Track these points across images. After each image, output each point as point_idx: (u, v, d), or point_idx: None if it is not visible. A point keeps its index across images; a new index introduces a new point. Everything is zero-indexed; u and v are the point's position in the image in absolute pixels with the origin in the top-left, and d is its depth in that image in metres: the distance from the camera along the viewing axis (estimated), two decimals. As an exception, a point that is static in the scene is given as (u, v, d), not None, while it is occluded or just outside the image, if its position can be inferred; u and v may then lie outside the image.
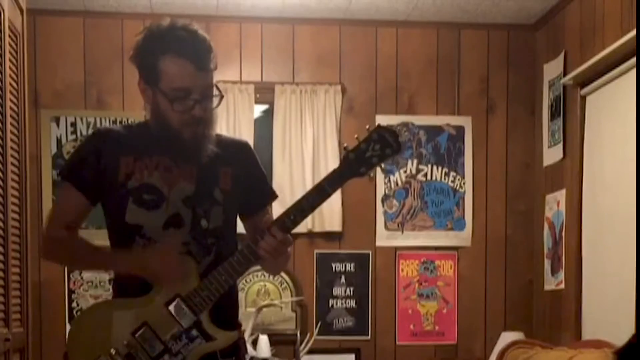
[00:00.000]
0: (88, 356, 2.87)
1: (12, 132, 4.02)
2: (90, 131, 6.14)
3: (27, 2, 4.46)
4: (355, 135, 2.84)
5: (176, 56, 2.79)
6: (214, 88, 2.89)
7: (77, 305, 6.10)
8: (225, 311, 2.96)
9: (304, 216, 2.84)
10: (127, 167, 2.89)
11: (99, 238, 2.99)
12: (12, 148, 4.01)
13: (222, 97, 2.92)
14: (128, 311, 2.87)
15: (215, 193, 2.94)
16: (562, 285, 5.99)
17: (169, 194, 2.88)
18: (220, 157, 2.95)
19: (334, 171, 2.83)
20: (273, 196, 3.16)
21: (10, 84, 4.02)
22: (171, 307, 2.83)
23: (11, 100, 4.03)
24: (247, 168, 3.05)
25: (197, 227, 2.90)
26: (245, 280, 6.22)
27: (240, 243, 2.98)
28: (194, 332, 2.85)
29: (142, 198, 2.87)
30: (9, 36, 4.00)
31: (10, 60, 4.03)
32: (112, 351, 2.85)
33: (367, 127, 2.83)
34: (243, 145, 3.14)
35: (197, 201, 2.91)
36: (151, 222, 2.88)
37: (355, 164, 2.80)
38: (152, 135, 2.91)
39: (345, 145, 2.84)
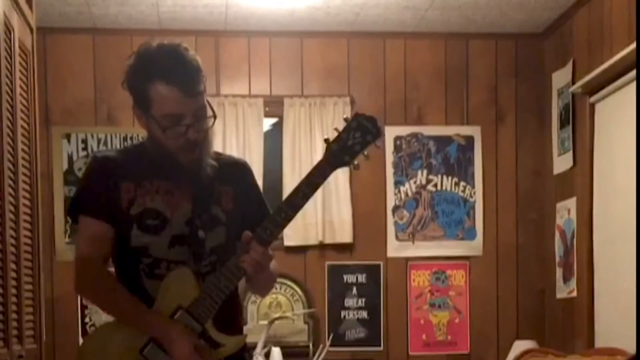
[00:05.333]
0: None
1: (23, 150, 4.03)
2: (101, 147, 6.19)
3: (37, 21, 4.48)
4: (334, 127, 2.85)
5: (165, 83, 2.76)
6: (207, 108, 2.85)
7: (90, 320, 6.13)
8: (228, 316, 2.94)
9: (294, 212, 2.79)
10: (129, 193, 2.88)
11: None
12: (23, 165, 4.03)
13: (215, 116, 2.89)
14: (133, 329, 2.85)
15: (214, 211, 2.93)
16: (574, 294, 5.99)
17: (172, 217, 2.88)
18: (220, 176, 2.95)
19: (319, 164, 2.80)
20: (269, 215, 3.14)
21: (21, 102, 4.04)
22: (176, 320, 2.83)
23: (22, 119, 4.05)
24: (246, 188, 3.04)
25: (198, 243, 2.89)
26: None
27: None
28: (202, 342, 2.84)
29: (146, 223, 2.87)
30: (20, 55, 4.02)
31: (21, 79, 4.04)
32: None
33: (345, 116, 2.82)
34: (240, 164, 3.12)
35: (197, 219, 2.90)
36: (156, 243, 2.87)
37: (339, 154, 2.76)
38: (151, 159, 2.90)
39: (325, 137, 2.82)
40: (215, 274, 2.84)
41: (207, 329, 2.84)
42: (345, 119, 2.78)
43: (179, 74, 2.78)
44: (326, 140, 2.80)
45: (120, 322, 2.89)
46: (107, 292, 2.90)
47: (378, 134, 2.78)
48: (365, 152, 2.78)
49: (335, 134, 2.79)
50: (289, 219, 2.80)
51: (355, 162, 2.80)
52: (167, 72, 2.77)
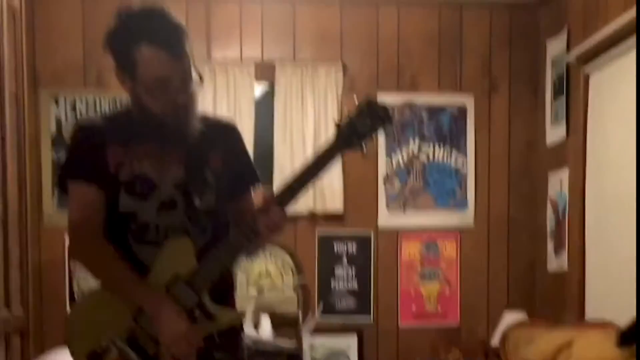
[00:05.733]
0: (89, 342, 2.84)
1: (11, 113, 3.99)
2: (90, 110, 6.13)
3: (25, -19, 4.43)
4: (338, 106, 2.87)
5: (150, 46, 2.74)
6: (193, 71, 2.83)
7: (79, 287, 6.09)
8: (223, 290, 2.95)
9: (301, 192, 2.83)
10: (117, 157, 2.86)
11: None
12: (11, 128, 3.99)
13: (202, 79, 2.88)
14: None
15: (206, 174, 2.92)
16: (565, 266, 5.97)
17: (160, 182, 2.86)
18: (208, 138, 2.93)
19: (328, 146, 2.84)
20: (257, 181, 3.13)
21: (9, 64, 3.99)
22: (172, 289, 2.81)
23: (10, 81, 4.00)
24: (235, 150, 3.04)
25: (191, 208, 2.88)
26: (246, 261, 6.20)
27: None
28: (197, 312, 2.82)
29: (134, 188, 2.86)
30: (7, 16, 3.97)
31: (9, 40, 3.99)
32: (114, 336, 2.82)
33: (356, 101, 2.83)
34: (229, 126, 3.11)
35: (189, 184, 2.89)
36: (144, 208, 2.86)
37: (348, 137, 2.80)
38: (137, 123, 2.88)
39: (337, 121, 2.85)
40: (218, 245, 2.83)
41: (202, 299, 2.81)
42: (357, 104, 2.82)
43: (164, 36, 2.75)
44: (337, 124, 2.83)
45: (112, 291, 2.85)
46: (102, 259, 2.87)
47: (389, 120, 2.82)
48: (374, 138, 2.83)
49: (341, 117, 2.87)
50: (295, 197, 2.83)
51: (364, 148, 2.84)
52: (151, 34, 2.74)
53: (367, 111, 2.80)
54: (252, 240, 2.80)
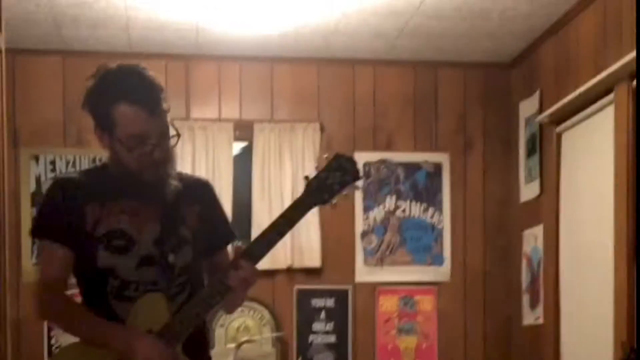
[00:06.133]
0: None
1: (-9, 170, 4.03)
2: (70, 168, 6.18)
3: (6, 42, 4.48)
4: (316, 165, 2.91)
5: (128, 103, 2.78)
6: (170, 128, 2.88)
7: (57, 342, 6.09)
8: (197, 345, 2.95)
9: (270, 246, 2.85)
10: (94, 214, 2.88)
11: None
12: (-9, 186, 4.02)
13: (179, 136, 2.91)
14: (101, 350, 2.83)
15: (182, 231, 2.95)
16: (541, 320, 6.02)
17: (139, 237, 2.88)
18: (184, 195, 2.96)
19: (298, 200, 2.87)
20: (232, 237, 3.16)
21: (-10, 123, 4.04)
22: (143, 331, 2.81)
23: (-10, 139, 4.05)
24: (210, 207, 3.07)
25: (168, 265, 2.90)
26: (225, 317, 6.23)
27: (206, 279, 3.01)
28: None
29: (112, 244, 2.87)
30: (-12, 76, 4.02)
31: (-10, 100, 4.04)
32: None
33: (325, 155, 2.88)
34: (205, 184, 3.14)
35: (166, 241, 2.91)
36: (123, 264, 2.87)
37: (318, 191, 2.84)
38: (115, 180, 2.91)
39: (306, 174, 2.90)
40: (189, 302, 2.85)
41: (175, 355, 2.83)
42: (326, 158, 2.87)
43: (141, 94, 2.80)
44: (306, 178, 2.87)
45: (86, 339, 2.88)
46: (68, 313, 2.90)
47: (357, 175, 2.86)
48: (344, 192, 2.85)
49: (315, 171, 2.89)
50: (265, 252, 2.84)
51: (334, 201, 2.86)
52: (129, 93, 2.79)
53: (335, 165, 2.83)
54: (223, 294, 2.83)
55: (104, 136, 2.88)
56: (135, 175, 2.87)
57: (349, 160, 2.85)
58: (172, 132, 2.88)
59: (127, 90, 2.80)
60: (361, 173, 2.93)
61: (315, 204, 2.86)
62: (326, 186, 2.83)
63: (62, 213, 2.89)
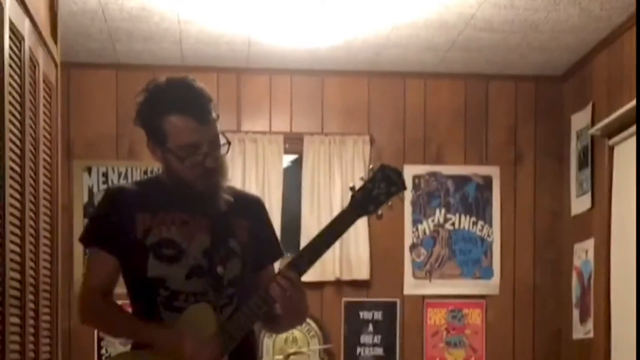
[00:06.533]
0: None
1: (45, 183, 4.09)
2: (122, 180, 6.26)
3: (62, 56, 4.56)
4: (361, 176, 2.91)
5: (178, 114, 2.82)
6: (220, 137, 2.91)
7: (107, 352, 6.16)
8: (245, 356, 2.96)
9: (316, 257, 2.86)
10: (145, 223, 2.92)
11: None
12: (44, 198, 4.08)
13: (229, 144, 2.94)
14: (150, 356, 2.87)
15: (232, 244, 2.97)
16: (591, 334, 5.98)
17: (188, 247, 2.91)
18: (235, 209, 2.99)
19: (344, 211, 2.87)
20: (280, 254, 3.18)
21: (44, 136, 4.10)
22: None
23: (45, 152, 4.11)
24: (260, 223, 3.09)
25: (216, 277, 2.92)
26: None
27: None
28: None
29: (162, 253, 2.90)
30: (44, 89, 4.08)
31: (45, 113, 4.11)
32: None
33: (371, 166, 2.89)
34: (256, 200, 3.17)
35: (215, 252, 2.93)
36: (173, 274, 2.90)
37: (363, 203, 2.84)
38: (167, 190, 2.95)
39: (351, 185, 2.89)
40: (237, 312, 2.87)
41: None
42: (371, 169, 2.86)
43: (191, 104, 2.84)
44: (352, 189, 2.87)
45: (133, 339, 2.92)
46: (111, 315, 2.96)
47: (402, 186, 2.86)
48: (389, 203, 2.86)
49: (360, 182, 2.87)
50: (311, 263, 2.86)
51: (379, 212, 2.86)
52: (179, 104, 2.84)
53: (381, 176, 2.83)
54: (269, 304, 2.84)
55: (157, 149, 2.92)
56: (188, 185, 2.89)
57: (394, 171, 2.85)
58: (222, 140, 2.92)
59: (176, 101, 2.84)
60: (407, 184, 2.93)
61: (360, 215, 2.86)
62: (372, 197, 2.83)
63: (111, 221, 2.94)
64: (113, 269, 2.95)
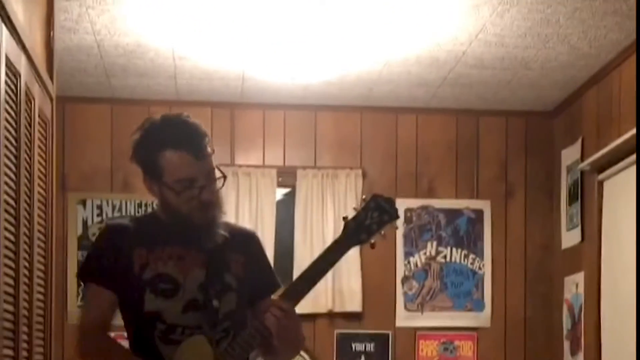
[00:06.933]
0: None
1: (39, 215, 4.11)
2: (116, 213, 6.30)
3: (57, 90, 4.61)
4: (354, 206, 2.93)
5: (174, 150, 2.86)
6: (216, 171, 2.95)
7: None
8: None
9: (309, 288, 2.87)
10: (141, 259, 2.94)
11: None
12: (39, 230, 4.10)
13: (225, 178, 2.98)
14: None
15: (226, 278, 2.99)
16: (582, 368, 6.02)
17: (184, 282, 2.93)
18: (231, 244, 3.01)
19: (337, 241, 2.89)
20: (277, 286, 3.17)
21: (39, 169, 4.13)
22: None
23: (39, 185, 4.14)
24: (255, 257, 3.10)
25: (212, 310, 2.94)
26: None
27: None
28: None
29: (159, 287, 2.92)
30: (39, 123, 4.12)
31: (40, 147, 4.14)
32: None
33: (363, 196, 2.91)
34: (251, 235, 3.19)
35: (211, 286, 2.95)
36: (170, 308, 2.92)
37: (356, 232, 2.85)
38: (163, 226, 2.98)
39: (344, 215, 2.91)
40: (232, 342, 2.89)
41: None
42: (364, 199, 2.89)
43: (186, 140, 2.88)
44: (344, 219, 2.90)
45: None
46: (109, 353, 2.98)
47: (395, 215, 2.89)
48: (382, 232, 2.88)
49: (353, 212, 2.89)
50: (304, 293, 2.87)
51: (372, 241, 2.89)
52: (174, 140, 2.88)
53: (373, 206, 2.86)
54: (263, 334, 2.85)
55: (153, 184, 2.96)
56: (185, 219, 2.92)
57: (386, 200, 2.88)
58: (218, 174, 2.95)
59: (171, 137, 2.88)
60: (399, 213, 2.95)
61: (353, 245, 2.88)
62: (364, 226, 2.85)
63: (108, 257, 2.96)
64: (110, 303, 2.97)
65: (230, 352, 2.87)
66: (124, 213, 6.33)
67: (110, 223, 3.20)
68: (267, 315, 2.84)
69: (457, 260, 6.62)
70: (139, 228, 3.04)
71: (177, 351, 2.90)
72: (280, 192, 6.61)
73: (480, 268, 6.62)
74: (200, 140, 2.91)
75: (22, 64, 3.74)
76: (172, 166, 2.87)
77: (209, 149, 2.93)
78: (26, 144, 3.85)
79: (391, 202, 2.89)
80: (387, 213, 2.87)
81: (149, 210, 6.31)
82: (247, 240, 3.13)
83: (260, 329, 2.86)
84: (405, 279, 6.58)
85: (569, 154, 6.29)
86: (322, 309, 6.36)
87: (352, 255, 6.42)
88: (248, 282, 3.03)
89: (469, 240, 6.62)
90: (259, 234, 3.27)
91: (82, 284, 3.15)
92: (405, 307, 6.57)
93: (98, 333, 2.97)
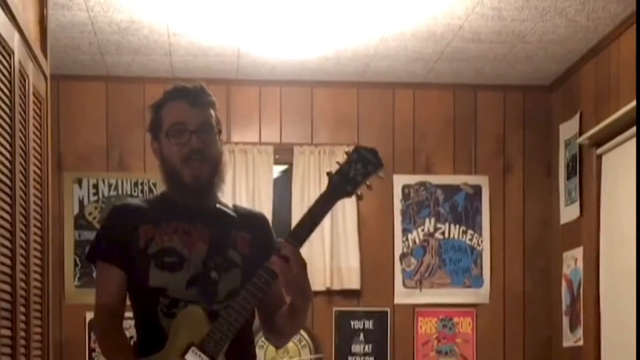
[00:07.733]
0: None
1: (35, 195, 4.10)
2: (112, 192, 6.28)
3: (51, 68, 4.58)
4: (337, 161, 2.91)
5: (173, 100, 2.93)
6: (214, 127, 2.96)
7: (98, 363, 6.19)
8: (241, 349, 2.96)
9: (310, 231, 2.86)
10: (147, 234, 2.95)
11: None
12: (35, 210, 4.09)
13: (220, 131, 2.99)
14: None
15: (230, 254, 2.98)
16: (581, 342, 6.01)
17: (189, 256, 2.94)
18: (237, 222, 3.01)
19: (322, 195, 2.86)
20: None
21: (34, 148, 4.11)
22: (187, 357, 2.82)
23: (35, 164, 4.12)
24: (262, 236, 3.08)
25: (211, 285, 2.93)
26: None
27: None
28: None
29: (164, 261, 2.92)
30: (34, 102, 4.10)
31: (35, 125, 4.12)
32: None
33: (346, 150, 2.89)
34: (260, 215, 3.20)
35: (213, 262, 2.95)
36: (174, 283, 2.92)
37: (341, 185, 2.82)
38: (169, 204, 3.00)
39: (328, 170, 2.88)
40: (226, 307, 2.84)
41: None
42: (347, 152, 2.85)
43: (185, 91, 2.95)
44: (328, 174, 2.86)
45: None
46: (114, 346, 2.97)
47: (379, 164, 2.83)
48: (368, 183, 2.83)
49: (327, 171, 2.87)
50: (303, 238, 2.84)
51: (359, 193, 2.85)
52: (177, 93, 2.95)
53: (356, 157, 2.81)
54: (262, 291, 2.79)
55: (155, 143, 3.00)
56: (179, 175, 2.93)
57: (369, 151, 2.83)
58: (216, 126, 2.97)
59: (174, 92, 2.96)
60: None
61: (339, 198, 2.84)
62: (349, 179, 2.81)
63: (115, 236, 2.98)
64: (121, 282, 2.98)
65: (226, 318, 2.83)
66: (119, 192, 6.32)
67: (117, 204, 3.19)
68: (274, 257, 2.78)
69: (456, 237, 6.60)
70: (145, 206, 3.06)
71: (173, 322, 2.89)
72: (277, 170, 6.59)
73: (478, 244, 6.60)
74: (199, 93, 2.95)
75: (15, 42, 3.71)
76: (169, 113, 2.93)
77: (209, 105, 2.96)
78: (21, 122, 3.83)
79: (374, 153, 2.83)
80: (371, 164, 2.81)
81: (145, 189, 6.31)
82: (255, 220, 3.12)
83: (266, 272, 2.78)
84: (403, 256, 6.56)
85: (567, 128, 6.27)
86: (320, 286, 6.35)
87: (350, 232, 6.42)
88: (254, 261, 2.97)
89: (467, 217, 6.61)
90: (256, 212, 3.25)
91: (87, 260, 3.11)
92: (404, 284, 6.56)
93: (108, 318, 2.98)
